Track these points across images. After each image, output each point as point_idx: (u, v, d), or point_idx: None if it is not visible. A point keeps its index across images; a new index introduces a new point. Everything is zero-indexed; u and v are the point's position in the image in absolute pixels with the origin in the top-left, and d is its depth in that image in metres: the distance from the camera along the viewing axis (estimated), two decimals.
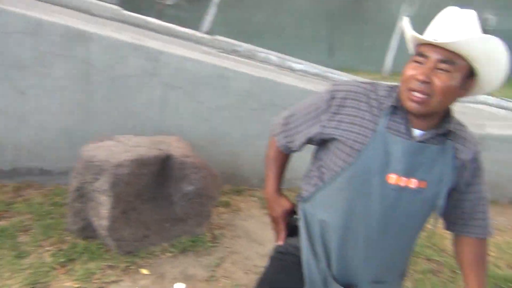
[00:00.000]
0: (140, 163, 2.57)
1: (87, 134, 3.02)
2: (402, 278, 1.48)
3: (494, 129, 3.95)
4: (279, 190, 1.55)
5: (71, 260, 2.51)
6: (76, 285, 2.36)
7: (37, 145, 3.15)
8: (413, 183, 1.25)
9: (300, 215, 1.44)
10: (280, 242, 1.51)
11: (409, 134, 1.25)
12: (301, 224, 1.43)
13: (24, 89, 3.02)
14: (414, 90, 1.19)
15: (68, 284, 2.36)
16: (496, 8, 8.84)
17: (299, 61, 5.26)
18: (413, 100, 1.20)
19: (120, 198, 2.55)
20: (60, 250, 2.58)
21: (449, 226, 1.40)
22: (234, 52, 4.93)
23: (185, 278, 2.58)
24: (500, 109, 5.38)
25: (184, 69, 3.31)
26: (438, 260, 3.11)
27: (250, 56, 4.96)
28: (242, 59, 4.61)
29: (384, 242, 1.33)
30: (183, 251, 2.78)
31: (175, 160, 2.70)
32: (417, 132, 1.26)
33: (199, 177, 2.72)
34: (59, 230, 2.73)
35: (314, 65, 5.24)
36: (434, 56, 1.17)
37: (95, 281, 2.41)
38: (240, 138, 3.55)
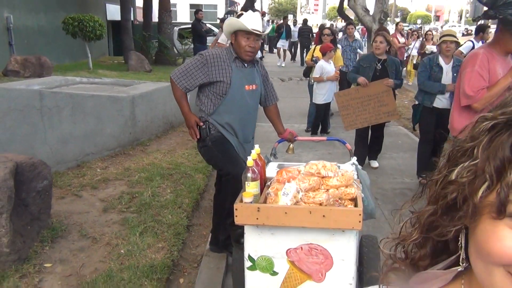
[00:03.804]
0: (13, 174, 2.73)
1: None
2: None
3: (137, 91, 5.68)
4: (190, 110, 2.96)
5: None
6: None
7: None
8: (254, 86, 3.03)
9: (210, 122, 2.93)
10: (198, 136, 2.94)
11: (245, 66, 2.99)
12: (215, 125, 2.93)
13: None
14: (248, 51, 2.93)
15: None
16: (12, 6, 9.87)
17: None
18: (248, 55, 2.94)
19: (12, 211, 2.66)
20: None
21: (264, 103, 3.24)
22: None
23: (81, 250, 3.07)
24: (92, 84, 7.12)
25: None
26: None
27: None
28: None
29: (251, 117, 3.09)
30: (54, 240, 3.11)
31: (24, 164, 2.93)
32: (246, 65, 2.99)
33: (49, 170, 3.08)
34: None
35: None
36: (253, 35, 2.92)
37: None
38: None
